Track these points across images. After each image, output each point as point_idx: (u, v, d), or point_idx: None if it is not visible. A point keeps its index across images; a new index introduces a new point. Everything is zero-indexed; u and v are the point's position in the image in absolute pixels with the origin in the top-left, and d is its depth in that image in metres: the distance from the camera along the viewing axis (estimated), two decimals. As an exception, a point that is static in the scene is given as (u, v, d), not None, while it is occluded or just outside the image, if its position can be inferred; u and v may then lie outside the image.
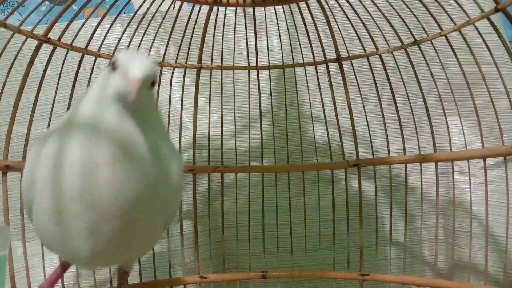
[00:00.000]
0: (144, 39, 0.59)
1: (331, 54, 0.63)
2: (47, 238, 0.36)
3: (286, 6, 0.62)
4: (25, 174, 0.37)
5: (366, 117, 0.63)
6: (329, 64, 0.63)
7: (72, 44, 0.53)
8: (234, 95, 0.66)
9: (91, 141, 0.32)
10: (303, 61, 0.65)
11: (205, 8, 0.58)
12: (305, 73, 0.65)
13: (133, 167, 0.32)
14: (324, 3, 0.58)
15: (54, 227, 0.33)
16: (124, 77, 0.31)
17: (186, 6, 0.58)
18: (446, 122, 0.58)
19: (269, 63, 0.66)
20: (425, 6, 0.52)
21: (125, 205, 0.32)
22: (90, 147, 0.32)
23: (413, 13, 0.54)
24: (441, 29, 0.54)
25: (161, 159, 0.36)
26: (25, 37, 0.48)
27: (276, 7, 0.62)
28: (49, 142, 0.35)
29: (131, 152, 0.32)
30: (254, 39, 0.62)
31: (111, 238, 0.33)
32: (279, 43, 0.65)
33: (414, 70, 0.57)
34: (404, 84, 0.59)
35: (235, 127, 0.68)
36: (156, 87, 0.35)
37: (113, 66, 0.33)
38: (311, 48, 0.63)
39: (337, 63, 0.63)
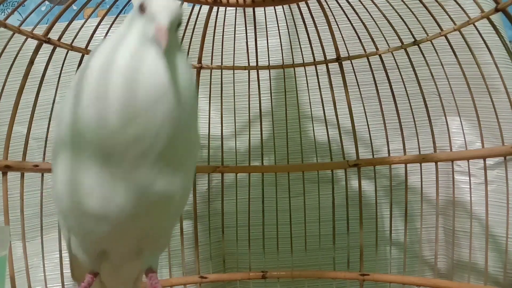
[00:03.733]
0: (144, 39, 0.58)
1: (331, 54, 0.63)
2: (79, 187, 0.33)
3: (286, 6, 0.62)
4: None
5: (366, 117, 0.63)
6: (329, 64, 0.63)
7: (72, 44, 0.53)
8: (234, 95, 0.66)
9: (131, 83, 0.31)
10: (303, 61, 0.65)
11: (205, 8, 0.58)
12: (305, 73, 0.65)
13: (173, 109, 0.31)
14: (324, 3, 0.58)
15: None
16: (152, 22, 0.31)
17: (186, 6, 0.58)
18: (446, 122, 0.58)
19: (269, 63, 0.66)
20: (425, 6, 0.52)
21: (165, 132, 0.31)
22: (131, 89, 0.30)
23: (413, 13, 0.54)
24: (441, 29, 0.54)
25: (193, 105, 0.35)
26: (25, 37, 0.48)
27: (276, 7, 0.62)
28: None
29: (169, 94, 0.31)
30: (254, 39, 0.62)
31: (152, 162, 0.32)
32: (279, 43, 0.65)
33: (414, 70, 0.57)
34: (404, 84, 0.59)
35: (235, 127, 0.68)
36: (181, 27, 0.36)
37: (141, 9, 0.33)
38: (311, 48, 0.63)
39: (337, 63, 0.63)
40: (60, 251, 0.53)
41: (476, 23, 0.50)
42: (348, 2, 0.56)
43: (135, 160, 0.32)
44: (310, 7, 0.58)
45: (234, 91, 0.66)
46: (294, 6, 0.58)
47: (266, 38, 0.64)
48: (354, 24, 0.58)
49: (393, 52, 0.59)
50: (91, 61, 0.33)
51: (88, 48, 0.55)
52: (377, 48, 0.60)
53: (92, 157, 0.32)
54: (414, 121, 0.60)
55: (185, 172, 0.36)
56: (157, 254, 0.41)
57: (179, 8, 0.33)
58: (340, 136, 0.64)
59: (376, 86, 0.61)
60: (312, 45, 0.62)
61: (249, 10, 0.61)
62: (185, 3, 0.57)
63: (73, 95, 0.32)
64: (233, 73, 0.65)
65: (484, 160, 0.54)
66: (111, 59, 0.31)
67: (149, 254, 0.39)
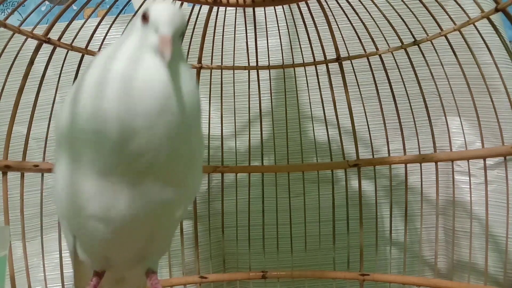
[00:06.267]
0: (144, 39, 0.58)
1: (331, 54, 0.63)
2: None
3: (286, 6, 0.62)
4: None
5: (366, 117, 0.63)
6: (329, 64, 0.63)
7: (72, 44, 0.53)
8: (234, 95, 0.66)
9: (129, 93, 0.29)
10: (303, 61, 0.65)
11: (205, 8, 0.58)
12: (305, 73, 0.65)
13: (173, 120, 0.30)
14: (324, 3, 0.58)
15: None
16: (156, 32, 0.30)
17: (186, 6, 0.58)
18: (446, 122, 0.58)
19: (269, 63, 0.66)
20: (425, 6, 0.52)
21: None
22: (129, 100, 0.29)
23: (413, 13, 0.54)
24: (441, 29, 0.54)
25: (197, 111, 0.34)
26: (25, 37, 0.48)
27: (276, 7, 0.62)
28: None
29: (171, 104, 0.30)
30: (254, 39, 0.62)
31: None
32: (279, 43, 0.65)
33: (414, 70, 0.57)
34: (404, 84, 0.59)
35: (235, 127, 0.68)
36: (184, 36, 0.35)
37: (144, 18, 0.32)
38: (311, 48, 0.63)
39: (337, 63, 0.63)
40: (60, 251, 0.53)
41: (476, 23, 0.50)
42: (348, 2, 0.56)
43: (137, 173, 0.31)
44: (310, 7, 0.58)
45: (234, 91, 0.66)
46: (294, 6, 0.58)
47: (266, 38, 0.64)
48: (354, 24, 0.58)
49: (393, 52, 0.59)
50: (89, 71, 0.31)
51: (88, 48, 0.55)
52: (377, 48, 0.60)
53: (91, 167, 0.31)
54: (414, 121, 0.60)
55: (191, 178, 0.35)
56: (158, 259, 0.41)
57: (183, 18, 0.32)
58: (340, 136, 0.64)
59: (376, 86, 0.61)
60: (312, 45, 0.62)
61: (249, 10, 0.61)
62: (185, 3, 0.57)
63: (71, 104, 0.31)
64: (233, 73, 0.65)
65: (484, 160, 0.54)
66: (110, 70, 0.30)
67: (151, 260, 0.39)
